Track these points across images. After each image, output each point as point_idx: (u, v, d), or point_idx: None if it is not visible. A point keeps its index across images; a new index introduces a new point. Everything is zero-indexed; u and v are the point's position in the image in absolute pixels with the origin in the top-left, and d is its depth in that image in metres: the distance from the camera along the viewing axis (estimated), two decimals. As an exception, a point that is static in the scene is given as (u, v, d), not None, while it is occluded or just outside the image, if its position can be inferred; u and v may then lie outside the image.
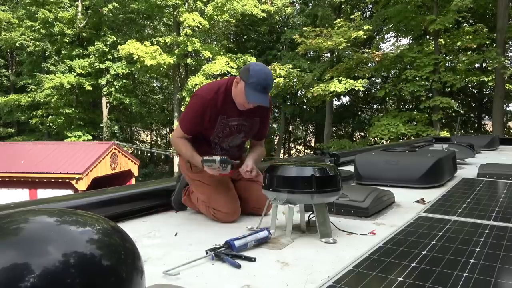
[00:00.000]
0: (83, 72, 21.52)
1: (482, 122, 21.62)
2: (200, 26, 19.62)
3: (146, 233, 2.00)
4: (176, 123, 21.09)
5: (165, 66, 20.52)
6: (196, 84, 19.16)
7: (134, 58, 19.30)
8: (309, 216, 2.08)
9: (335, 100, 21.84)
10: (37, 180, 13.42)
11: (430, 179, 3.13)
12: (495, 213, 2.19)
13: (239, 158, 2.39)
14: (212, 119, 2.19)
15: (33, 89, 22.30)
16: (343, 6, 20.73)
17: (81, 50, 22.06)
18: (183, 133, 2.25)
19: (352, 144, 18.17)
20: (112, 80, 22.03)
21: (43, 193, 13.26)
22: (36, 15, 21.17)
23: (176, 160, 22.14)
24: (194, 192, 2.34)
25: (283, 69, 16.70)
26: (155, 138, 33.11)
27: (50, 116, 22.40)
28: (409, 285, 1.27)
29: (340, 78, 15.47)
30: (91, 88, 21.90)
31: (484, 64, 17.43)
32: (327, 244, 1.80)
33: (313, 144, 27.36)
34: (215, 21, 20.81)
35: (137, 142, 30.16)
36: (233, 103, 2.18)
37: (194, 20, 19.16)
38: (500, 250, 1.59)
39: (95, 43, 21.48)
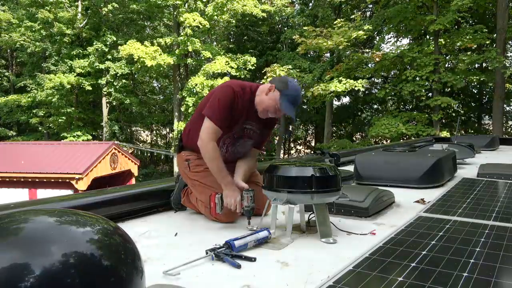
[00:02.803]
0: (83, 72, 21.53)
1: (482, 122, 21.62)
2: (201, 26, 19.63)
3: (146, 233, 2.00)
4: (176, 123, 21.08)
5: (165, 67, 20.53)
6: (196, 84, 19.17)
7: (135, 59, 19.31)
8: (309, 216, 2.08)
9: (335, 100, 21.83)
10: (37, 180, 13.42)
11: (430, 179, 3.13)
12: (495, 213, 2.19)
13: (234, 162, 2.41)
14: (236, 115, 2.19)
15: (33, 89, 22.30)
16: (343, 6, 20.74)
17: (81, 50, 22.07)
18: (217, 128, 2.13)
19: (352, 144, 18.17)
20: (112, 80, 22.04)
21: (43, 193, 13.27)
22: (36, 16, 21.17)
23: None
24: (193, 192, 2.34)
25: (283, 70, 16.69)
26: (155, 138, 33.11)
27: (52, 117, 22.41)
28: (409, 285, 1.27)
29: (340, 78, 15.47)
30: (90, 88, 21.91)
31: (484, 64, 17.44)
32: (327, 244, 1.80)
33: (313, 144, 27.37)
34: (215, 21, 20.81)
35: (137, 142, 30.16)
36: (254, 108, 2.22)
37: (194, 20, 19.17)
38: (500, 250, 1.59)
39: (95, 43, 21.49)
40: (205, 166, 2.19)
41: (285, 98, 2.12)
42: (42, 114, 22.49)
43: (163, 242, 1.87)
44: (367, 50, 18.05)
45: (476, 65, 17.63)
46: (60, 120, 22.24)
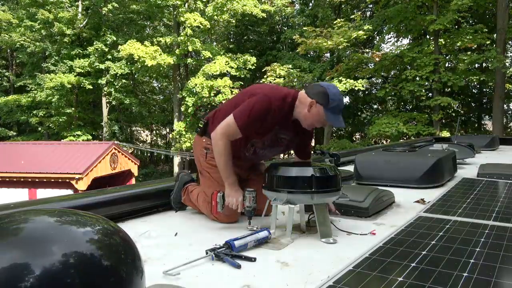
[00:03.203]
0: (83, 72, 21.53)
1: (482, 122, 21.63)
2: (201, 26, 19.63)
3: (146, 233, 2.00)
4: (176, 123, 21.08)
5: (165, 66, 20.53)
6: (196, 85, 19.17)
7: (135, 59, 19.32)
8: (309, 216, 2.08)
9: (335, 100, 21.77)
10: (37, 180, 13.42)
11: (430, 179, 3.13)
12: (495, 213, 2.19)
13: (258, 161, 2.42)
14: (268, 127, 2.12)
15: (33, 89, 22.32)
16: (343, 6, 20.74)
17: (81, 50, 22.08)
18: (238, 130, 2.07)
19: (352, 145, 18.17)
20: (112, 80, 22.04)
21: (43, 193, 13.27)
22: (36, 16, 21.18)
23: (176, 160, 22.16)
24: (201, 182, 2.32)
25: (283, 69, 16.70)
26: (155, 138, 33.12)
27: (52, 117, 22.42)
28: (409, 285, 1.27)
29: (340, 78, 15.48)
30: (91, 87, 21.91)
31: (484, 64, 17.44)
32: (327, 244, 1.80)
33: (313, 144, 27.36)
34: (215, 21, 20.82)
35: (137, 142, 30.16)
36: (291, 118, 2.14)
37: (195, 20, 19.17)
38: (500, 250, 1.59)
39: (95, 43, 21.49)
40: None
41: (332, 111, 2.06)
42: (42, 114, 22.50)
43: (163, 242, 1.87)
44: (367, 50, 18.05)
45: (476, 65, 17.63)
46: (60, 120, 22.24)
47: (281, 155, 25.88)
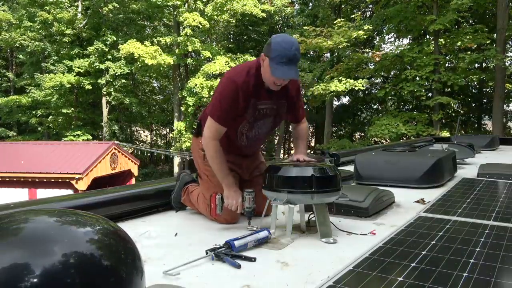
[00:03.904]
0: (82, 72, 21.53)
1: (482, 122, 21.62)
2: (201, 26, 19.63)
3: (146, 233, 2.00)
4: (176, 123, 21.09)
5: (165, 66, 20.53)
6: (196, 85, 19.18)
7: (135, 57, 19.32)
8: (309, 216, 2.08)
9: (335, 100, 21.84)
10: (37, 180, 13.43)
11: (430, 179, 3.13)
12: (495, 213, 2.19)
13: (257, 150, 2.39)
14: (245, 104, 2.04)
15: (32, 89, 22.32)
16: (343, 6, 20.74)
17: (80, 50, 22.08)
18: (219, 125, 2.05)
19: (351, 145, 18.17)
20: (112, 80, 22.05)
21: (43, 193, 13.27)
22: (36, 16, 21.19)
23: (176, 160, 22.17)
24: (199, 186, 2.32)
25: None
26: (155, 138, 33.12)
27: (50, 117, 22.42)
28: (409, 285, 1.27)
29: (340, 78, 15.49)
30: (90, 87, 21.91)
31: (484, 64, 17.44)
32: (327, 244, 1.80)
33: (313, 144, 27.37)
34: (215, 21, 20.82)
35: (137, 142, 30.17)
36: (264, 85, 2.06)
37: (194, 20, 19.17)
38: (500, 250, 1.59)
39: (95, 43, 21.49)
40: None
41: (274, 61, 1.90)
42: (41, 114, 22.50)
43: (163, 242, 1.87)
44: (367, 50, 18.05)
45: (476, 65, 17.63)
46: (59, 120, 22.24)
47: (281, 155, 25.84)
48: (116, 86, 22.24)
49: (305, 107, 23.91)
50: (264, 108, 2.13)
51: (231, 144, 2.20)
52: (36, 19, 21.13)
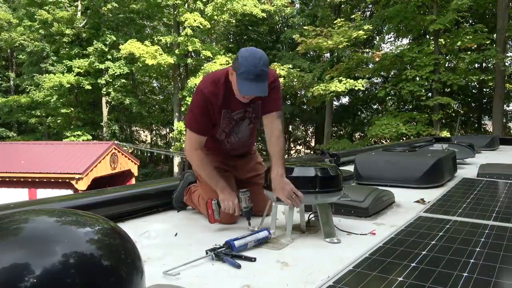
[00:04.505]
0: (82, 72, 21.53)
1: (482, 122, 21.62)
2: (201, 26, 19.63)
3: (146, 233, 2.00)
4: (176, 123, 21.09)
5: (165, 66, 20.53)
6: (196, 84, 19.17)
7: (135, 57, 19.31)
8: (309, 216, 2.08)
9: (335, 100, 21.84)
10: (37, 180, 13.42)
11: (430, 179, 3.13)
12: (495, 213, 2.19)
13: (250, 147, 2.36)
14: (215, 114, 2.05)
15: (32, 90, 22.32)
16: (343, 6, 20.74)
17: (80, 50, 22.08)
18: (198, 135, 2.07)
19: (351, 145, 18.17)
20: (112, 80, 22.05)
21: (43, 193, 13.27)
22: (36, 16, 21.19)
23: (176, 160, 22.16)
24: (198, 187, 2.32)
25: (283, 69, 16.70)
26: (155, 138, 33.12)
27: (49, 117, 22.41)
28: (409, 285, 1.27)
29: (340, 78, 15.49)
30: (90, 87, 21.91)
31: (484, 64, 17.44)
32: (327, 244, 1.80)
33: (313, 144, 27.37)
34: (215, 21, 20.82)
35: (137, 142, 30.16)
36: (233, 94, 2.03)
37: (195, 20, 19.17)
38: (500, 250, 1.59)
39: (95, 43, 21.49)
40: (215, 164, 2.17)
41: (241, 77, 1.87)
42: (39, 114, 22.49)
43: (163, 242, 1.87)
44: (367, 50, 18.05)
45: (476, 65, 17.64)
46: (58, 120, 22.24)
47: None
48: (116, 86, 22.23)
49: (305, 107, 23.77)
50: (237, 117, 2.13)
51: (218, 146, 2.20)
52: (35, 17, 21.10)
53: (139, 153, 27.57)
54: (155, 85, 29.46)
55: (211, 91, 2.02)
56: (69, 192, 12.61)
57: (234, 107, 2.09)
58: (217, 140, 2.20)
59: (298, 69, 17.57)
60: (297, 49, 16.82)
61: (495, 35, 13.98)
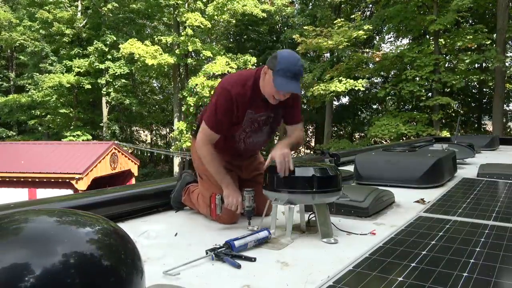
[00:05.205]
0: (82, 72, 21.53)
1: (482, 122, 21.62)
2: (202, 26, 19.63)
3: (146, 233, 2.00)
4: (176, 123, 21.08)
5: (165, 66, 20.53)
6: (196, 84, 19.17)
7: (136, 57, 19.31)
8: (309, 216, 2.08)
9: (335, 100, 21.84)
10: (37, 180, 13.42)
11: (430, 179, 3.13)
12: (495, 213, 2.19)
13: (256, 152, 2.38)
14: (240, 115, 2.07)
15: (31, 89, 22.33)
16: (343, 6, 20.74)
17: (80, 50, 22.07)
18: (213, 133, 2.08)
19: (351, 145, 18.17)
20: (112, 80, 22.05)
21: (43, 193, 13.27)
22: (36, 15, 21.19)
23: (176, 160, 22.15)
24: (199, 184, 2.32)
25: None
26: (155, 138, 33.13)
27: (48, 116, 22.41)
28: (409, 285, 1.27)
29: (340, 78, 15.49)
30: (90, 87, 21.91)
31: (484, 64, 17.44)
32: (327, 244, 1.80)
33: (313, 144, 27.37)
34: (215, 21, 20.82)
35: (137, 142, 30.17)
36: (261, 96, 2.06)
37: (196, 20, 19.17)
38: (500, 250, 1.59)
39: (95, 43, 21.49)
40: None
41: (279, 74, 1.92)
42: (39, 114, 22.49)
43: (163, 242, 1.87)
44: (367, 50, 18.05)
45: (476, 65, 17.64)
46: (57, 120, 22.23)
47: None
48: (116, 86, 22.23)
49: (305, 107, 23.83)
50: (262, 119, 2.16)
51: (228, 144, 2.21)
52: (36, 16, 21.11)
53: (139, 153, 27.58)
54: (155, 85, 29.47)
55: (238, 92, 2.03)
56: (69, 192, 12.61)
57: (259, 110, 2.11)
58: (232, 139, 2.19)
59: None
60: (297, 49, 16.80)
61: (495, 35, 13.99)
